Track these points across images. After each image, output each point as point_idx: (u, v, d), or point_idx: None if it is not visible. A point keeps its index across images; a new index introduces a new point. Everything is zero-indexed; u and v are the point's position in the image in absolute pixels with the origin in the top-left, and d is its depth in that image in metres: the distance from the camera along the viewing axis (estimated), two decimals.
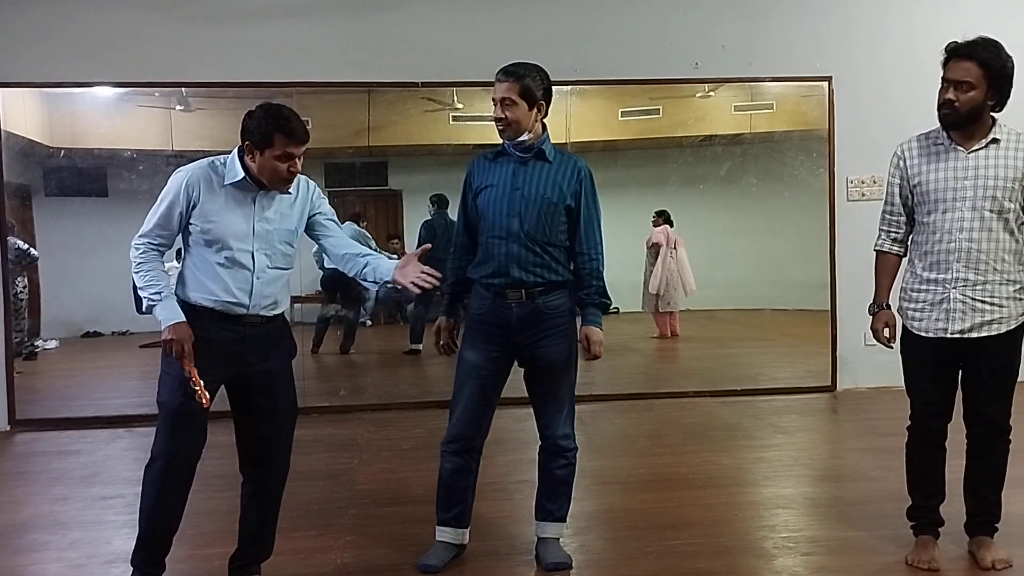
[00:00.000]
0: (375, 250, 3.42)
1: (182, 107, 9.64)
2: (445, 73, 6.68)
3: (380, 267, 3.10)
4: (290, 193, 3.09)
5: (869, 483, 4.49)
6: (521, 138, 3.31)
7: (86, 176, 10.42)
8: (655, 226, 9.86)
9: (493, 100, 3.31)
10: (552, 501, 3.45)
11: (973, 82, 3.10)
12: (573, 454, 3.44)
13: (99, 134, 9.91)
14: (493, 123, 3.38)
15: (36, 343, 8.64)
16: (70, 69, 6.21)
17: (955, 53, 3.15)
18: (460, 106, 9.60)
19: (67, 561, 3.68)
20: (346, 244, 3.19)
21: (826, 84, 6.84)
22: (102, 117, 9.68)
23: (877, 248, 3.45)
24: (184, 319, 2.95)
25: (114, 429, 6.10)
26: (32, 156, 8.55)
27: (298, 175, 3.05)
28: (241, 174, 3.00)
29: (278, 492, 3.22)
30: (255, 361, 3.07)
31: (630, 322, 9.09)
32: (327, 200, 3.22)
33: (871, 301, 3.43)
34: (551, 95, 3.36)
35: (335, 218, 3.23)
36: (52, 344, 9.69)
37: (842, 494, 4.41)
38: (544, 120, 3.36)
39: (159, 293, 2.97)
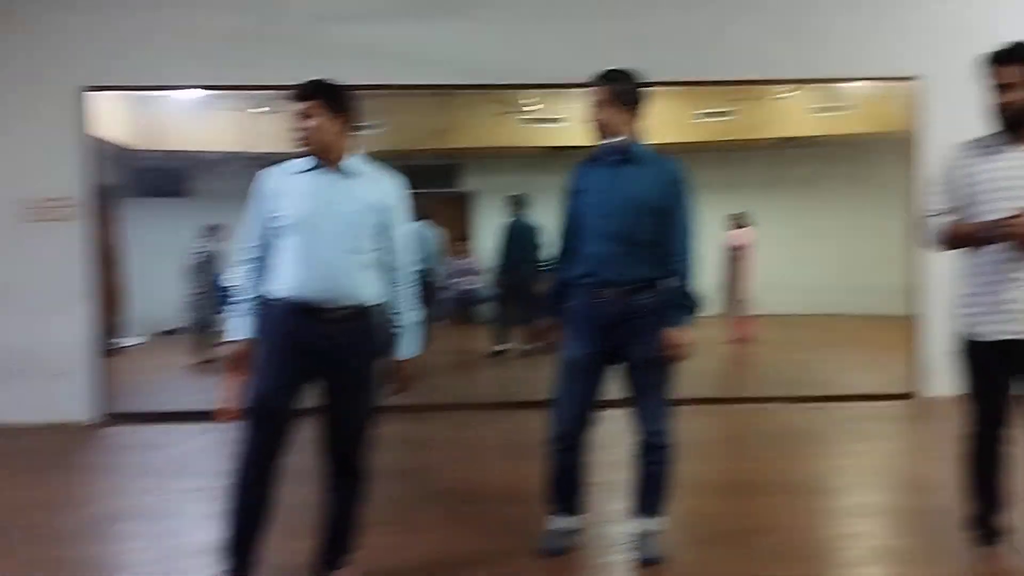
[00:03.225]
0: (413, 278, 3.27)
1: (261, 110, 9.88)
2: (517, 76, 6.70)
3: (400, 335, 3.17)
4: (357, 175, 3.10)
5: (954, 492, 4.37)
6: (612, 140, 3.41)
7: (167, 178, 10.77)
8: (733, 229, 9.76)
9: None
10: (647, 497, 3.50)
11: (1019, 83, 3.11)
12: (668, 450, 3.48)
13: (180, 137, 10.23)
14: (563, 125, 3.47)
15: (119, 340, 8.94)
16: (157, 73, 6.37)
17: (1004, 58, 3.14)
18: (530, 109, 9.66)
19: (158, 550, 3.80)
20: (392, 262, 3.15)
21: (911, 84, 6.67)
22: (183, 120, 9.98)
23: (941, 227, 3.30)
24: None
25: (197, 424, 6.25)
26: (118, 159, 8.84)
27: (382, 172, 3.14)
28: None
29: (355, 490, 3.22)
30: (337, 357, 3.08)
31: (703, 326, 9.00)
32: (399, 210, 3.15)
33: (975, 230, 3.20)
34: (643, 99, 3.47)
35: (398, 234, 3.15)
36: (136, 341, 10.03)
37: (925, 503, 4.30)
38: (637, 124, 3.46)
39: None
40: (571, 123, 9.67)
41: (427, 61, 6.51)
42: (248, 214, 3.14)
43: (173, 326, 11.04)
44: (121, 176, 9.52)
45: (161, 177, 10.71)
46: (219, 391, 2.93)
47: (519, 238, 8.59)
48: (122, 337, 9.33)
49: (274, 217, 3.06)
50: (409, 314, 3.18)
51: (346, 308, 3.05)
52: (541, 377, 7.61)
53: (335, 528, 3.23)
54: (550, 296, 3.62)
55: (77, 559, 3.72)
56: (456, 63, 6.55)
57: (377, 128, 9.28)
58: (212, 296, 9.37)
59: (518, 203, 8.89)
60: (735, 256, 9.64)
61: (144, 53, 6.28)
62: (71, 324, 6.28)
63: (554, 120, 9.51)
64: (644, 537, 3.51)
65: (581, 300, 3.46)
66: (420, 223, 8.65)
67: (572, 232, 3.53)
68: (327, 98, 3.04)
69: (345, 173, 3.09)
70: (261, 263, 3.10)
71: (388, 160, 3.36)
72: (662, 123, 8.55)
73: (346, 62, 6.38)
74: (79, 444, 5.88)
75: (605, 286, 3.39)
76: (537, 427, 5.48)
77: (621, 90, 3.40)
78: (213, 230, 9.45)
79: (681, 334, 3.40)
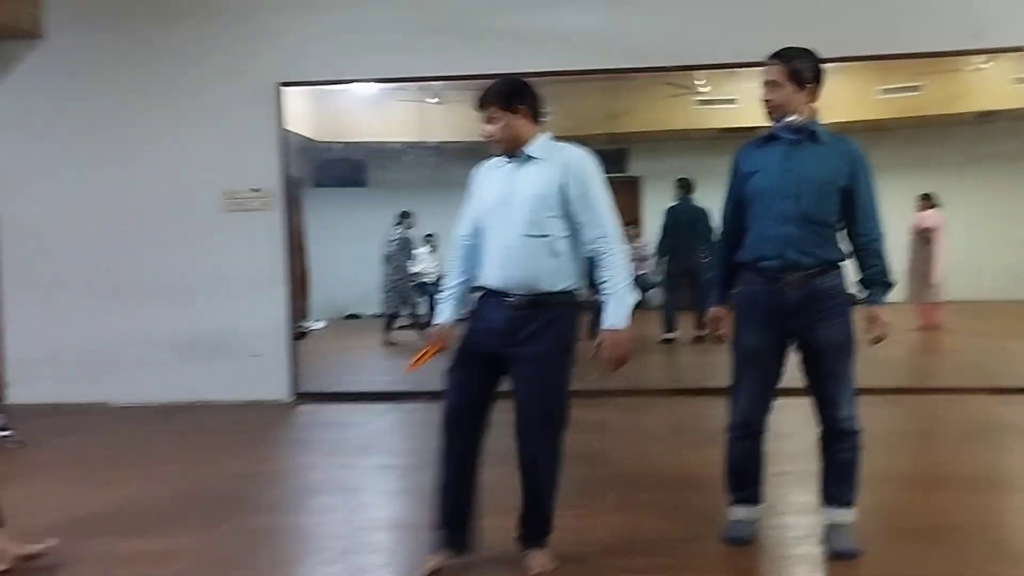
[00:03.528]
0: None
1: (437, 100, 10.15)
2: (689, 57, 6.57)
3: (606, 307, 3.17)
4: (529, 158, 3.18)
5: None
6: (788, 119, 3.31)
7: (348, 168, 11.25)
8: (921, 210, 9.25)
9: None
10: (837, 486, 3.39)
11: None
12: (858, 436, 3.36)
13: (360, 128, 10.65)
14: (736, 106, 3.38)
15: (305, 324, 9.44)
16: (345, 67, 6.65)
17: None
18: (705, 90, 9.46)
19: (354, 524, 3.99)
20: (586, 240, 3.17)
21: None
22: (362, 112, 10.39)
23: None
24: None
25: (382, 404, 6.52)
26: (303, 151, 9.31)
27: (566, 146, 3.21)
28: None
29: (537, 474, 3.23)
30: (516, 342, 3.13)
31: (888, 312, 8.57)
32: (587, 184, 3.14)
33: None
34: (821, 77, 3.35)
35: (593, 206, 3.15)
36: (319, 325, 10.55)
37: None
38: (814, 102, 3.34)
39: None
40: (744, 104, 9.44)
41: (598, 46, 6.49)
42: (465, 206, 3.35)
43: (353, 311, 11.59)
44: (305, 167, 10.03)
45: (341, 167, 11.20)
46: (418, 354, 3.15)
47: (687, 222, 8.43)
48: (307, 321, 9.85)
49: (474, 209, 3.29)
50: (614, 285, 3.15)
51: (532, 295, 3.11)
52: (710, 364, 7.49)
53: (524, 507, 3.30)
54: (716, 282, 3.54)
55: (278, 528, 3.96)
56: (627, 47, 6.48)
57: (548, 114, 9.35)
58: (405, 281, 9.76)
59: (685, 186, 8.73)
60: (924, 239, 9.12)
61: (333, 48, 6.57)
62: (268, 308, 6.67)
63: (727, 101, 9.28)
64: (835, 529, 3.39)
65: (758, 285, 3.35)
66: None
67: (739, 216, 3.44)
68: (502, 101, 3.16)
69: (531, 158, 3.18)
70: (472, 251, 3.28)
71: None
72: (843, 100, 8.22)
73: (519, 50, 6.48)
74: (276, 421, 6.26)
75: (789, 269, 3.28)
76: (708, 414, 5.42)
77: (797, 68, 3.28)
78: (406, 216, 9.81)
79: (881, 313, 3.33)
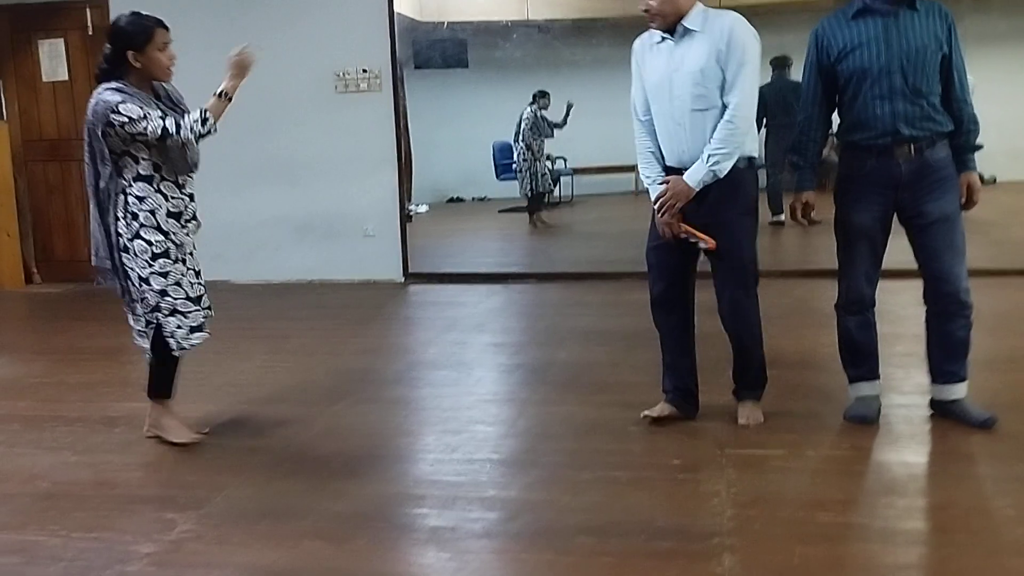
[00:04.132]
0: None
1: None
2: None
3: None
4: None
5: None
6: None
7: (450, 48, 11.12)
8: None
9: None
10: (955, 362, 3.37)
11: None
12: (971, 310, 3.33)
13: (462, 7, 10.48)
14: None
15: (409, 207, 9.56)
16: None
17: None
18: None
19: (477, 395, 4.12)
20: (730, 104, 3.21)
21: None
22: None
23: None
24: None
25: (490, 285, 6.63)
26: (406, 31, 9.23)
27: (723, 13, 3.22)
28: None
29: (743, 328, 3.43)
30: (701, 213, 3.28)
31: (1009, 192, 8.19)
32: (741, 52, 3.15)
33: None
34: None
35: (738, 73, 3.17)
36: (423, 208, 10.67)
37: None
38: None
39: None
40: None
41: None
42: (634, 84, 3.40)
43: (455, 194, 11.67)
44: (407, 48, 9.96)
45: (442, 47, 11.08)
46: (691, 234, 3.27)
47: (785, 100, 8.07)
48: (411, 204, 9.97)
49: (641, 88, 3.36)
50: (714, 149, 3.18)
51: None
52: (817, 246, 7.33)
53: (743, 363, 3.52)
54: (804, 166, 3.46)
55: (403, 399, 4.14)
56: None
57: None
58: (542, 161, 9.71)
59: (781, 63, 8.40)
60: None
61: None
62: (379, 189, 6.78)
63: None
64: (957, 404, 3.39)
65: (867, 162, 3.28)
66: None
67: (827, 96, 3.36)
68: None
69: (688, 31, 3.20)
70: (652, 128, 3.36)
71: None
72: None
73: None
74: (390, 300, 6.43)
75: (900, 144, 3.21)
76: (820, 296, 5.34)
77: None
78: (542, 96, 9.67)
79: (978, 179, 3.31)
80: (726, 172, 3.21)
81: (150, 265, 3.33)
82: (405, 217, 6.95)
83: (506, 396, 4.16)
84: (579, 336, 5.09)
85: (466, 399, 4.08)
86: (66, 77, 7.20)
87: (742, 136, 3.21)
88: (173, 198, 3.39)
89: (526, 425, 3.66)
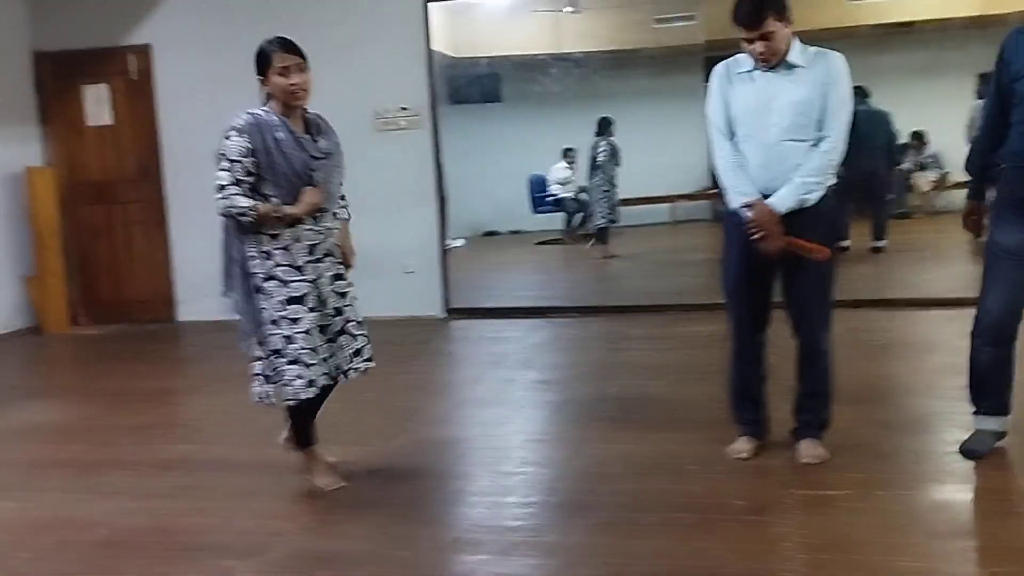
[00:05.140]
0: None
1: (572, 9, 9.93)
2: None
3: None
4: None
5: None
6: None
7: (482, 83, 11.18)
8: None
9: None
10: None
11: None
12: None
13: (495, 43, 10.54)
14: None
15: (446, 242, 9.54)
16: None
17: None
18: None
19: (528, 435, 4.09)
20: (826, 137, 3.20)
21: None
22: (496, 25, 10.26)
23: None
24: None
25: (533, 320, 6.59)
26: (441, 67, 9.28)
27: (827, 52, 3.23)
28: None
29: (818, 363, 3.38)
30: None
31: None
32: (843, 89, 3.19)
33: None
34: None
35: (836, 109, 3.17)
36: (460, 242, 10.67)
37: None
38: None
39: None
40: None
41: None
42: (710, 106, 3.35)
43: (491, 228, 11.68)
44: (441, 84, 10.02)
45: (476, 83, 11.14)
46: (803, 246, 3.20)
47: (864, 129, 7.93)
48: (447, 239, 9.97)
49: (725, 116, 3.31)
50: (804, 174, 3.17)
51: None
52: (881, 275, 7.16)
53: (814, 404, 3.44)
54: (973, 177, 3.40)
55: (453, 440, 4.08)
56: None
57: (690, 20, 9.02)
58: (615, 190, 9.62)
59: (860, 93, 8.29)
60: None
61: None
62: (419, 225, 6.79)
63: None
64: None
65: (1021, 183, 3.16)
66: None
67: (1002, 111, 3.22)
68: (778, 11, 3.13)
69: (792, 66, 3.20)
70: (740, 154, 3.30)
71: (701, 52, 3.32)
72: None
73: None
74: (432, 336, 6.41)
75: None
76: (879, 327, 5.22)
77: None
78: (608, 124, 9.57)
79: None
80: (814, 202, 3.20)
81: (284, 307, 3.20)
82: (446, 253, 6.94)
83: (558, 435, 4.11)
84: (628, 371, 5.03)
85: (517, 438, 4.03)
86: (111, 121, 7.31)
87: (834, 168, 3.23)
88: (307, 230, 3.24)
89: (582, 465, 3.60)
